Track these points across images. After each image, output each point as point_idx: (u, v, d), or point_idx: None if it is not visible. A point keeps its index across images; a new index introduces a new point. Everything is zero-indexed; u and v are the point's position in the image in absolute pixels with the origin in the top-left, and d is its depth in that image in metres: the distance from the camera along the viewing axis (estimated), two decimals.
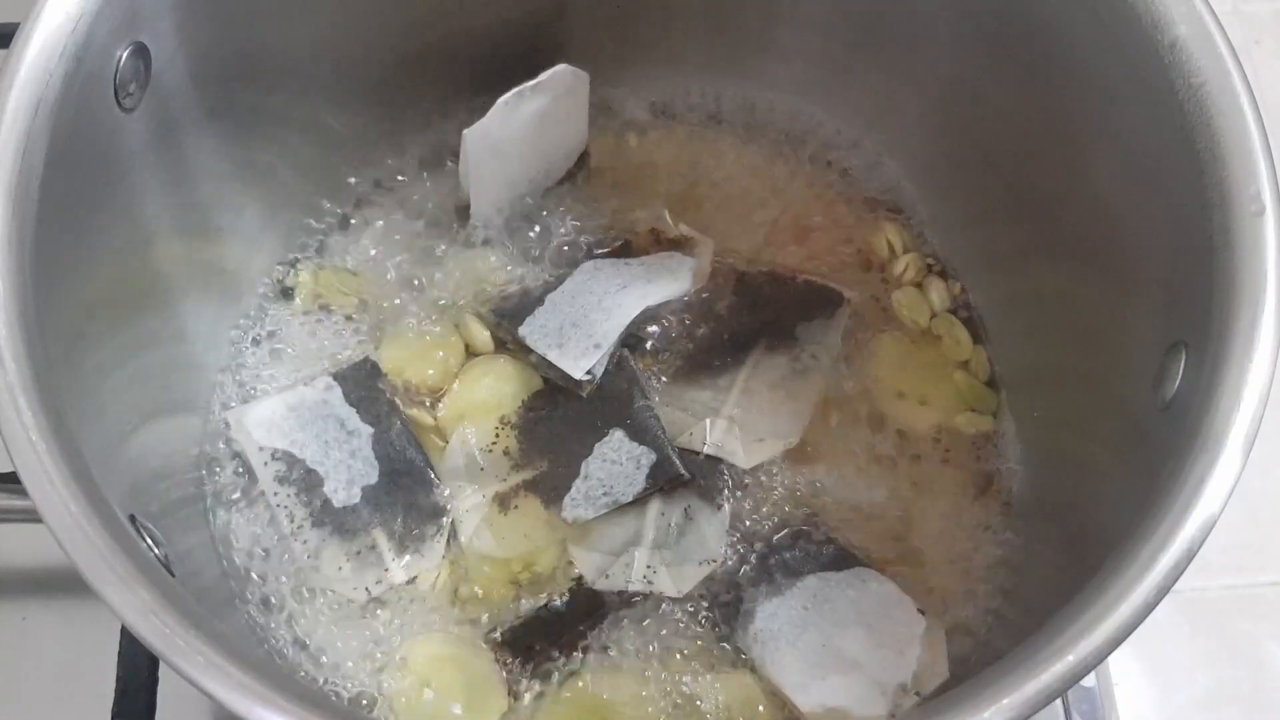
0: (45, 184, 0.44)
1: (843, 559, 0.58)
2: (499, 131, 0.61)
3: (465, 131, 0.61)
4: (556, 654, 0.56)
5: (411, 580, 0.58)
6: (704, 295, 0.64)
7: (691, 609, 0.57)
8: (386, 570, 0.57)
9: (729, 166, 0.68)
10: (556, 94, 0.62)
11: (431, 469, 0.60)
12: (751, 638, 0.56)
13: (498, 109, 0.61)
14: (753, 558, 0.58)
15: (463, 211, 0.65)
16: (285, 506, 0.58)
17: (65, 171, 0.46)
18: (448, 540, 0.58)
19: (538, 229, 0.66)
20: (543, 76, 0.61)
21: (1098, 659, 0.39)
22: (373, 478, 0.59)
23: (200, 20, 0.52)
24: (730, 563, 0.58)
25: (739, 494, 0.59)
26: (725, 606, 0.57)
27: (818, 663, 0.55)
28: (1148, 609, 0.39)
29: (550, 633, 0.56)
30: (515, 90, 0.61)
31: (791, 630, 0.56)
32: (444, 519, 0.59)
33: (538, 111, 0.62)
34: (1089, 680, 0.60)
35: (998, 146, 0.60)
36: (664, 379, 0.62)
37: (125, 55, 0.48)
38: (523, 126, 0.62)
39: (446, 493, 0.59)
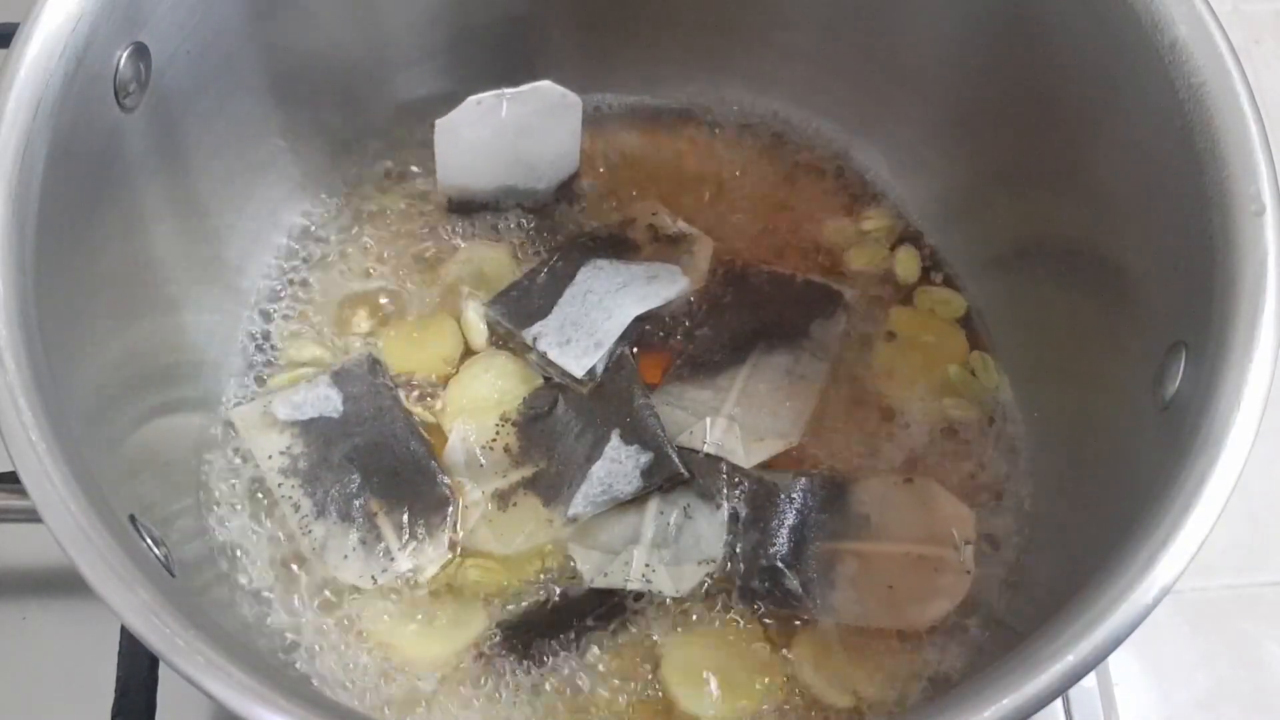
0: (45, 184, 0.44)
1: (826, 485, 0.59)
2: (470, 128, 0.62)
3: (437, 121, 0.62)
4: (554, 651, 0.56)
5: (416, 570, 0.58)
6: (704, 295, 0.64)
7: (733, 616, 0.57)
8: (392, 559, 0.58)
9: (727, 165, 0.68)
10: (539, 108, 0.63)
11: (435, 460, 0.60)
12: (818, 597, 0.56)
13: (468, 105, 0.62)
14: (757, 537, 0.58)
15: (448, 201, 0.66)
16: (291, 498, 0.59)
17: (65, 171, 0.46)
18: (453, 530, 0.58)
19: (534, 225, 0.66)
20: (523, 87, 0.62)
21: (1098, 659, 0.39)
22: (378, 470, 0.59)
23: (200, 20, 0.52)
24: (744, 551, 0.58)
25: (737, 494, 0.59)
26: (772, 594, 0.57)
27: (882, 580, 0.57)
28: (1148, 609, 0.39)
29: (549, 630, 0.56)
30: (492, 93, 0.62)
31: (843, 569, 0.57)
32: (449, 509, 0.59)
33: (517, 120, 0.63)
34: (1089, 680, 0.60)
35: (997, 147, 0.60)
36: (664, 378, 0.62)
37: (125, 55, 0.48)
38: (499, 129, 0.63)
39: (450, 484, 0.59)
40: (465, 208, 0.66)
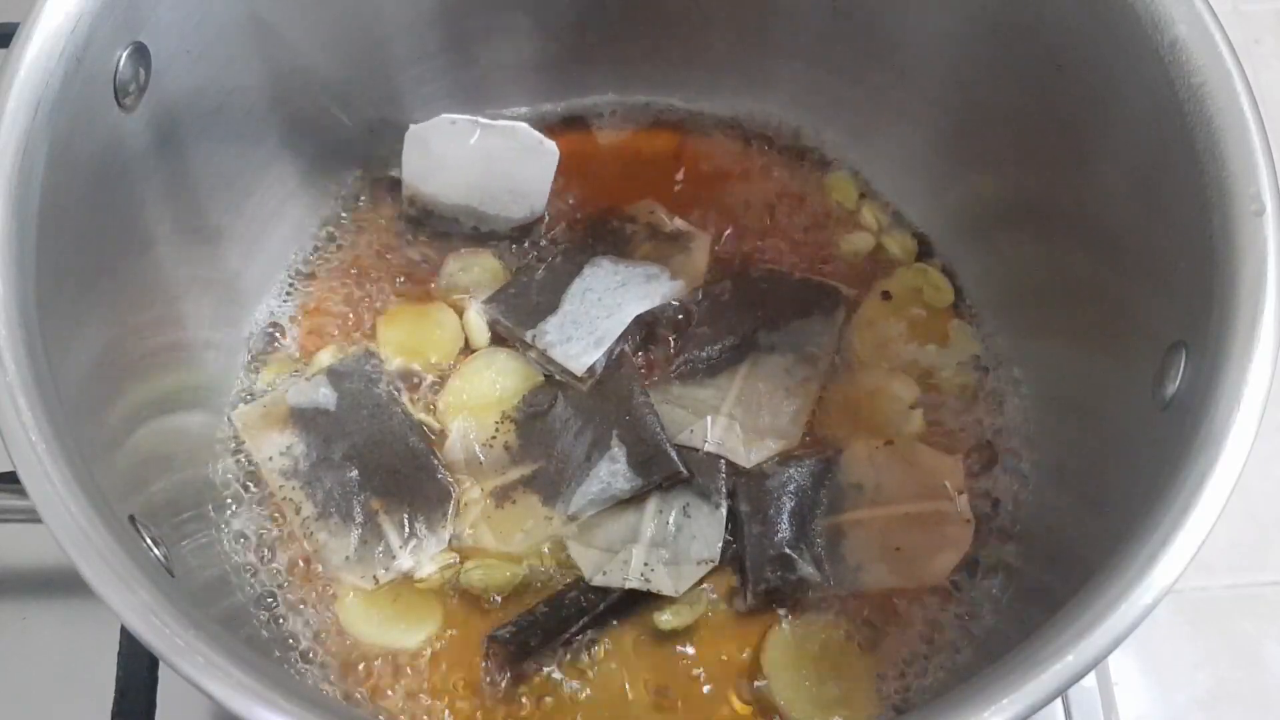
0: (45, 184, 0.44)
1: (813, 464, 0.60)
2: (439, 143, 0.63)
3: (411, 126, 0.63)
4: (554, 651, 0.56)
5: (418, 567, 0.58)
6: (703, 293, 0.64)
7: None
8: (394, 558, 0.58)
9: (726, 164, 0.69)
10: (513, 146, 0.63)
11: (434, 455, 0.60)
12: (831, 574, 0.57)
13: (439, 121, 0.63)
14: (759, 529, 0.58)
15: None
16: (291, 500, 0.59)
17: (65, 171, 0.46)
18: (453, 526, 0.58)
19: (532, 223, 0.66)
20: (499, 123, 0.63)
21: (1098, 659, 0.39)
22: (377, 468, 0.59)
23: (200, 20, 0.52)
24: (750, 547, 0.58)
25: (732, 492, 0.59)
26: (786, 582, 0.57)
27: (889, 543, 0.58)
28: (1148, 609, 0.39)
29: (548, 630, 0.56)
30: (467, 117, 0.62)
31: (849, 541, 0.58)
32: (449, 504, 0.59)
33: (487, 150, 0.63)
34: (1089, 680, 0.60)
35: (998, 147, 0.60)
36: (663, 376, 0.62)
37: (125, 56, 0.48)
38: (469, 153, 0.63)
39: (449, 478, 0.59)
40: (422, 218, 0.66)
